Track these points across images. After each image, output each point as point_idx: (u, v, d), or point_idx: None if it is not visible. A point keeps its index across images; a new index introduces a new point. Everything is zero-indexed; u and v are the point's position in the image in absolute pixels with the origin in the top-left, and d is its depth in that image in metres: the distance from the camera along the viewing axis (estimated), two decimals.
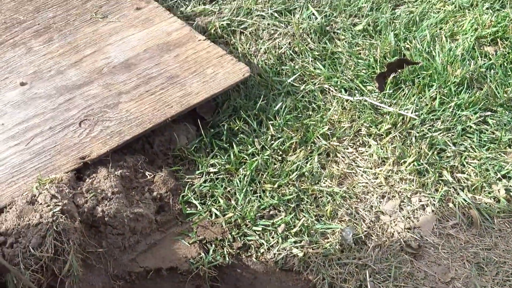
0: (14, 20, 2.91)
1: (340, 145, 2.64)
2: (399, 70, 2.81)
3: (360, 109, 2.73)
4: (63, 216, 2.13)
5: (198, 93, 2.57)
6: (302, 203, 2.46)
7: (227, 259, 2.33)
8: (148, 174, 2.45)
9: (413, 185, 2.52)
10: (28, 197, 2.19)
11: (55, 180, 2.26)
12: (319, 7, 3.13)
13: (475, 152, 2.61)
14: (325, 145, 2.61)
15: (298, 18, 3.06)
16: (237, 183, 2.48)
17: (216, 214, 2.42)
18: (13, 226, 2.12)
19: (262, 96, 2.73)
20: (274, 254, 2.35)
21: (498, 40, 3.01)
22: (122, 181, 2.36)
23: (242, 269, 2.37)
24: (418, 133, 2.65)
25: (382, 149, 2.61)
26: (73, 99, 2.56)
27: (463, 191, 2.50)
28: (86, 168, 2.37)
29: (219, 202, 2.44)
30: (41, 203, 2.16)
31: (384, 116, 2.70)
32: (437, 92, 2.76)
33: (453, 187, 2.51)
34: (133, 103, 2.54)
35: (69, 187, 2.25)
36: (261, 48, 2.95)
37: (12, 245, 2.09)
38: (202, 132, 2.57)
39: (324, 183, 2.53)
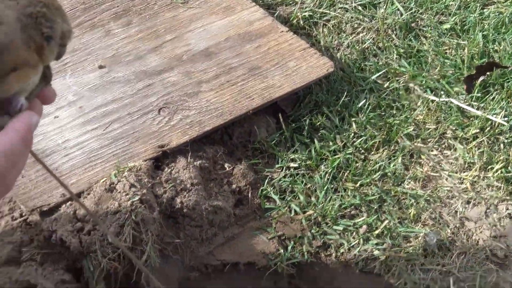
0: (92, 1, 2.86)
1: (425, 146, 2.54)
2: (488, 73, 2.69)
3: (446, 111, 2.62)
4: (142, 206, 2.07)
5: (280, 86, 2.49)
6: (385, 204, 2.37)
7: (306, 256, 2.25)
8: (227, 166, 2.37)
9: (500, 193, 2.42)
10: (106, 185, 2.13)
11: (134, 168, 2.20)
12: (404, 3, 3.02)
13: None
14: (409, 145, 2.51)
15: (383, 12, 2.96)
16: (318, 180, 2.40)
17: (295, 211, 2.33)
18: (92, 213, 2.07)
19: (344, 92, 2.64)
20: (355, 255, 2.26)
21: None
22: (201, 172, 2.29)
23: (321, 268, 2.29)
24: (506, 139, 2.53)
25: (468, 153, 2.50)
26: (152, 86, 2.49)
27: None
28: (165, 157, 2.30)
29: (299, 198, 2.36)
30: (119, 192, 2.10)
31: (471, 119, 2.59)
32: None
33: None
34: (214, 93, 2.47)
35: (148, 176, 2.19)
36: (344, 42, 2.86)
37: (90, 232, 2.04)
38: (283, 126, 2.49)
39: (407, 185, 2.44)
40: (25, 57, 0.99)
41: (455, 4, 3.02)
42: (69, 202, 2.14)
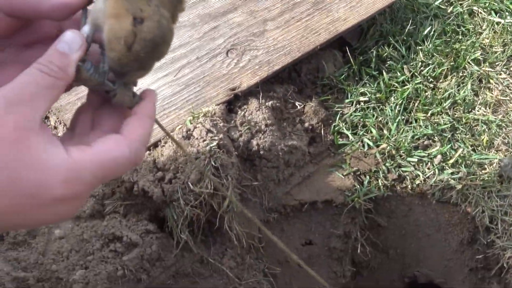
0: None
1: (493, 70, 2.52)
2: None
3: None
4: (220, 151, 2.09)
5: (345, 19, 2.48)
6: (457, 132, 2.37)
7: (382, 190, 2.27)
8: (298, 104, 2.38)
9: None
10: (183, 132, 2.15)
11: (208, 113, 2.21)
12: None
13: None
14: (477, 71, 2.50)
15: None
16: (388, 112, 2.40)
17: (368, 145, 2.35)
18: (171, 161, 2.09)
19: (408, 20, 2.61)
20: (431, 185, 2.28)
21: None
22: (274, 112, 2.30)
23: (397, 201, 2.32)
24: None
25: None
26: (217, 28, 2.49)
27: None
28: (236, 99, 2.32)
29: (371, 132, 2.37)
30: (197, 138, 2.12)
31: None
32: None
33: None
34: (280, 31, 2.46)
35: (223, 121, 2.21)
36: None
37: (171, 181, 2.07)
38: (351, 59, 2.48)
39: (478, 111, 2.43)
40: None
41: None
42: (148, 152, 2.17)
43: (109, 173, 0.95)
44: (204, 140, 2.10)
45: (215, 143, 2.09)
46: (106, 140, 0.97)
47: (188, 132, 2.14)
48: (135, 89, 1.07)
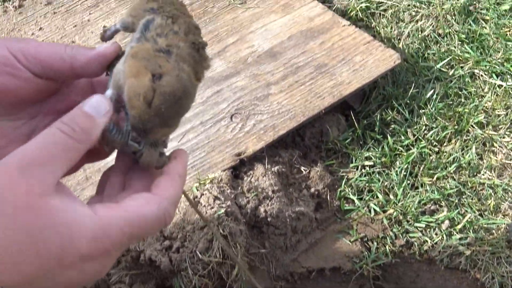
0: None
1: (496, 134, 2.52)
2: None
3: None
4: (228, 218, 2.06)
5: (349, 83, 2.47)
6: (463, 197, 2.35)
7: (390, 257, 2.24)
8: (303, 169, 2.36)
9: None
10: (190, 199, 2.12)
11: (215, 179, 2.19)
12: None
13: None
14: (481, 134, 2.49)
15: None
16: (394, 176, 2.38)
17: (375, 210, 2.32)
18: (178, 230, 2.06)
19: (410, 83, 2.61)
20: (439, 251, 2.25)
21: None
22: (280, 178, 2.28)
23: (405, 267, 2.28)
24: None
25: None
26: (221, 92, 2.48)
27: None
28: (242, 164, 2.29)
29: (377, 197, 2.35)
30: (204, 205, 2.09)
31: None
32: None
33: None
34: (283, 95, 2.45)
35: (230, 187, 2.18)
36: (404, 31, 2.82)
37: (179, 250, 2.03)
38: (355, 123, 2.47)
39: (483, 174, 2.42)
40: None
41: None
42: None
43: (138, 231, 0.92)
44: (211, 208, 2.07)
45: (223, 210, 2.06)
46: (135, 197, 0.94)
47: (195, 199, 2.11)
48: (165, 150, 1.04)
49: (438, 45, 2.78)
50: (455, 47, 2.76)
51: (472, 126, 2.51)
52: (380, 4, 2.92)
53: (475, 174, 2.41)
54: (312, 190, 2.32)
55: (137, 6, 1.06)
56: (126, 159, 1.06)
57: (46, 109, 1.07)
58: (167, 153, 1.04)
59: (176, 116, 0.97)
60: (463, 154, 2.45)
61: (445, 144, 2.48)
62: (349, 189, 2.37)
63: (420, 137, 2.48)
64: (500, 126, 2.53)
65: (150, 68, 0.93)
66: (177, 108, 0.95)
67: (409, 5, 2.91)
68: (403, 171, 2.39)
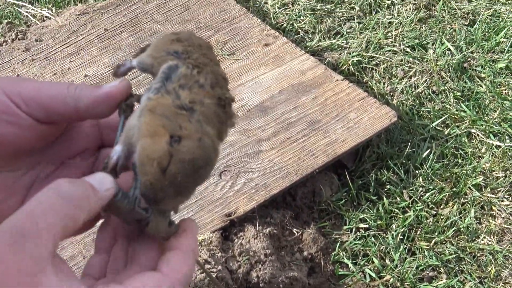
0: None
1: (495, 197, 2.42)
2: None
3: None
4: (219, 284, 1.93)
5: (344, 141, 2.37)
6: (462, 263, 2.25)
7: None
8: (296, 231, 2.24)
9: None
10: None
11: (204, 241, 2.06)
12: (453, 41, 2.90)
13: None
14: (479, 197, 2.39)
15: (432, 53, 2.84)
16: (390, 240, 2.27)
17: (371, 276, 2.20)
18: None
19: (405, 142, 2.52)
20: None
21: None
22: (271, 240, 2.16)
23: None
24: None
25: None
26: None
27: None
28: (232, 225, 2.17)
29: (373, 262, 2.23)
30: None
31: None
32: None
33: None
34: (275, 152, 2.34)
35: (220, 250, 2.05)
36: (397, 87, 2.73)
37: None
38: (349, 183, 2.36)
39: (482, 240, 2.31)
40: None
41: (507, 42, 2.90)
42: None
43: None
44: (202, 272, 1.94)
45: (213, 275, 1.93)
46: (143, 278, 0.79)
47: None
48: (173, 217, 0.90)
49: (432, 102, 2.69)
50: (450, 105, 2.67)
51: (470, 188, 2.41)
52: (372, 59, 2.83)
53: (474, 239, 2.31)
54: (305, 253, 2.20)
55: (160, 46, 0.91)
56: (130, 228, 0.92)
57: (48, 157, 0.93)
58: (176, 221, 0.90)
59: (193, 185, 0.82)
60: (461, 217, 2.35)
61: (442, 206, 2.38)
62: (344, 253, 2.25)
63: (416, 199, 2.37)
64: (498, 189, 2.44)
65: (169, 128, 0.79)
66: (196, 178, 0.81)
67: (401, 60, 2.82)
68: (399, 234, 2.28)
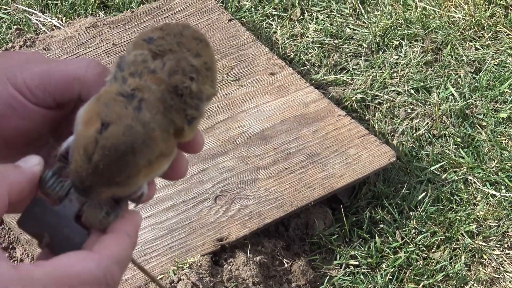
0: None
1: (486, 245, 2.42)
2: None
3: (507, 207, 2.51)
4: None
5: (341, 176, 2.37)
6: None
7: None
8: (286, 262, 2.24)
9: None
10: (166, 283, 1.99)
11: (194, 264, 2.06)
12: (458, 87, 2.91)
13: None
14: (471, 244, 2.39)
15: (436, 97, 2.85)
16: (379, 279, 2.27)
17: None
18: None
19: (402, 183, 2.52)
20: None
21: None
22: (261, 269, 2.16)
23: None
24: None
25: None
26: (206, 171, 2.36)
27: None
28: (222, 250, 2.17)
29: None
30: None
31: None
32: None
33: None
34: (272, 181, 2.34)
35: (209, 274, 2.05)
36: (398, 128, 2.74)
37: None
38: (343, 219, 2.36)
39: (471, 287, 2.31)
40: (162, 149, 0.78)
41: (511, 92, 2.91)
42: None
43: None
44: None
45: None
46: (70, 255, 0.76)
47: (172, 284, 1.99)
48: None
49: (432, 146, 2.70)
50: (449, 150, 2.68)
51: (462, 234, 2.42)
52: (376, 97, 2.84)
53: (462, 285, 2.31)
54: (293, 285, 2.20)
55: (140, 36, 0.88)
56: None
57: (56, 137, 0.91)
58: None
59: (120, 175, 0.77)
60: (451, 263, 2.35)
61: (433, 250, 2.38)
62: (331, 287, 2.24)
63: (408, 240, 2.38)
64: (491, 238, 2.44)
65: (102, 115, 0.75)
66: (121, 166, 0.76)
67: (405, 102, 2.83)
68: (388, 274, 2.29)
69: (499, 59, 3.02)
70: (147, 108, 0.76)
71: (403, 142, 2.70)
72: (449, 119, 2.80)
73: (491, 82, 2.95)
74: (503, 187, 2.58)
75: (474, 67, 3.02)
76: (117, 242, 0.79)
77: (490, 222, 2.48)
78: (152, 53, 0.80)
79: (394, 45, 3.07)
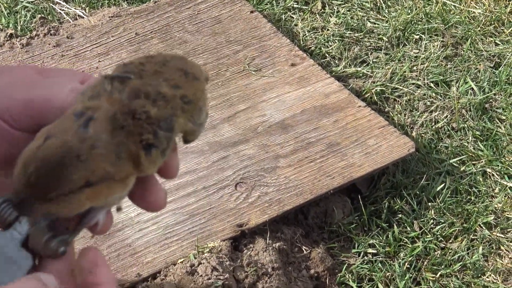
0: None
1: (504, 237, 2.43)
2: None
3: None
4: None
5: (360, 166, 2.39)
6: None
7: None
8: (305, 249, 2.26)
9: None
10: (186, 266, 2.01)
11: (214, 249, 2.08)
12: (477, 81, 2.93)
13: None
14: (489, 235, 2.41)
15: (455, 91, 2.86)
16: (397, 268, 2.28)
17: None
18: None
19: (421, 174, 2.54)
20: None
21: None
22: (280, 255, 2.17)
23: None
24: None
25: None
26: (227, 158, 2.38)
27: None
28: (242, 236, 2.19)
29: (377, 287, 2.24)
30: (201, 275, 1.98)
31: None
32: None
33: None
34: (292, 169, 2.36)
35: (229, 259, 2.07)
36: (417, 120, 2.75)
37: None
38: (363, 208, 2.37)
39: (488, 277, 2.32)
40: (107, 171, 0.75)
41: None
42: (145, 283, 2.02)
43: None
44: (209, 279, 1.96)
45: (220, 282, 1.96)
46: (28, 279, 0.74)
47: (192, 267, 2.00)
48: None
49: (451, 139, 2.71)
50: (468, 142, 2.69)
51: (480, 225, 2.43)
52: (395, 90, 2.85)
53: (479, 275, 2.32)
54: (312, 271, 2.22)
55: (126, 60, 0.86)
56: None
57: None
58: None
59: (56, 188, 0.74)
60: (468, 253, 2.36)
61: (451, 240, 2.39)
62: (350, 275, 2.26)
63: (426, 230, 2.39)
64: (508, 229, 2.45)
65: (50, 131, 0.75)
66: (52, 180, 0.74)
67: (424, 95, 2.85)
68: (406, 263, 2.30)
69: None
70: (93, 127, 0.75)
71: (422, 135, 2.71)
72: (468, 113, 2.81)
73: (510, 77, 2.96)
74: None
75: (493, 62, 3.03)
76: (26, 282, 0.74)
77: (508, 214, 2.49)
78: (112, 79, 0.78)
79: (414, 39, 3.09)
